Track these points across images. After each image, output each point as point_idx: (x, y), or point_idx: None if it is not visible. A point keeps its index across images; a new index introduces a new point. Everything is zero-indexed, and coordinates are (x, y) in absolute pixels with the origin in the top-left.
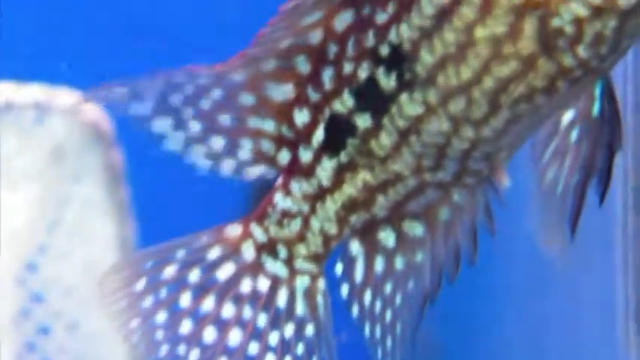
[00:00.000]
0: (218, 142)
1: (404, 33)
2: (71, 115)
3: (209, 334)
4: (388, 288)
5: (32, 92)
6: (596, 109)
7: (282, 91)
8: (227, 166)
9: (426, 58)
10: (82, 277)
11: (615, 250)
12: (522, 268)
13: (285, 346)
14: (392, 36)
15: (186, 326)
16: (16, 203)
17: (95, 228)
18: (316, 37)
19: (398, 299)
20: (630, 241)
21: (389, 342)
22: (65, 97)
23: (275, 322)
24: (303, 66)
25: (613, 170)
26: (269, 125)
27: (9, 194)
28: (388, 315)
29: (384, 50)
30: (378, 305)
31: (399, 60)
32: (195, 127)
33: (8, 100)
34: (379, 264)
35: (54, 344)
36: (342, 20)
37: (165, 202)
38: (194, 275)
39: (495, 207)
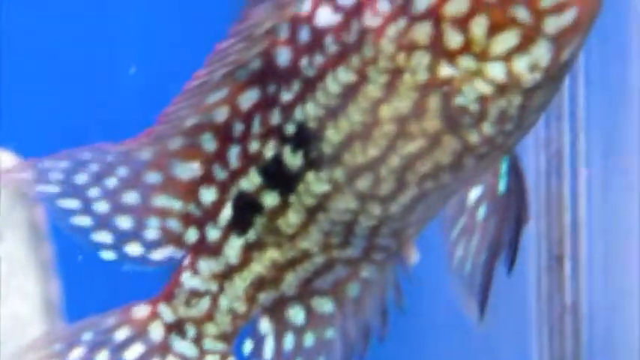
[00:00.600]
0: (124, 223)
1: (309, 111)
2: None
3: None
4: None
5: None
6: (502, 185)
7: (189, 170)
8: (133, 249)
9: (332, 136)
10: (4, 335)
11: (530, 312)
12: (445, 336)
13: None
14: (297, 114)
15: None
16: None
17: (19, 285)
18: (222, 114)
19: None
20: (544, 302)
21: None
22: None
23: None
24: (210, 144)
25: (520, 244)
26: (176, 204)
27: None
28: None
29: (290, 128)
30: None
31: (305, 138)
32: (101, 206)
33: None
34: (289, 341)
35: None
36: (248, 98)
37: (89, 260)
38: (102, 357)
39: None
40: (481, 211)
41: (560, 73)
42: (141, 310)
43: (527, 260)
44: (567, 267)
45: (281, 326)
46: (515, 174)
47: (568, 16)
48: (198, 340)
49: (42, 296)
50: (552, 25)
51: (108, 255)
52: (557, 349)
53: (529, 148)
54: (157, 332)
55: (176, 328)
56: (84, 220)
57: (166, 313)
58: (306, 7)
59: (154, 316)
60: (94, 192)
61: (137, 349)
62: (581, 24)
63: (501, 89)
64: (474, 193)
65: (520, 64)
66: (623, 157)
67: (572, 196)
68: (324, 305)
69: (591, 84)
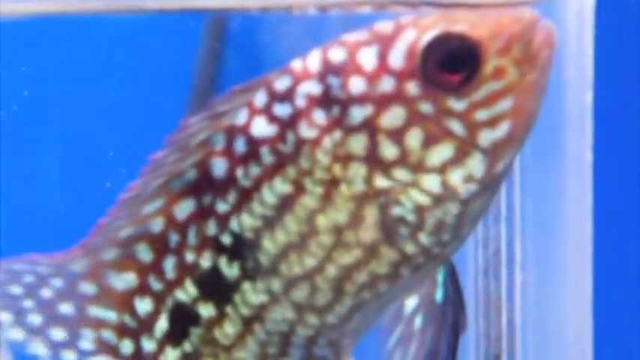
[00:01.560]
0: (59, 334)
1: (245, 222)
2: None
3: None
4: None
5: None
6: (438, 295)
7: (124, 280)
8: (70, 356)
9: (269, 246)
10: None
11: None
12: None
13: None
14: (233, 225)
15: None
16: None
17: None
18: (157, 225)
19: None
20: None
21: None
22: None
23: None
24: (145, 255)
25: (457, 351)
26: (111, 315)
27: None
28: None
29: (226, 239)
30: None
31: (241, 249)
32: (34, 319)
33: None
34: None
35: None
36: (183, 209)
37: None
38: None
39: None
40: (417, 321)
41: (495, 183)
42: None
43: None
44: None
45: None
46: (452, 282)
47: (502, 130)
48: None
49: None
50: (486, 138)
51: (46, 354)
52: None
53: (469, 246)
54: None
55: None
56: (18, 333)
57: None
58: (241, 118)
59: None
60: (28, 303)
61: None
62: (515, 137)
63: (437, 200)
64: (411, 303)
65: (455, 176)
66: (556, 261)
67: (508, 297)
68: None
69: (526, 188)
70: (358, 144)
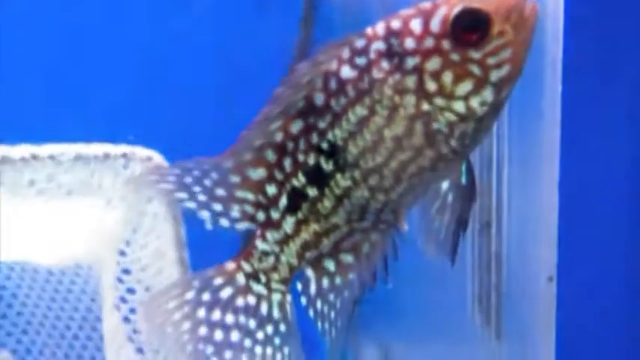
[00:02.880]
0: (217, 207)
1: (337, 134)
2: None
3: (218, 335)
4: (331, 297)
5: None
6: (463, 179)
7: (257, 173)
8: (224, 222)
9: (352, 149)
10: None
11: (467, 256)
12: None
13: (267, 340)
14: (330, 136)
15: (202, 330)
16: None
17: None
18: (279, 137)
19: (338, 304)
20: (477, 255)
21: (333, 331)
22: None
23: (260, 324)
24: (271, 156)
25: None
26: (250, 196)
27: None
28: (332, 314)
29: (325, 145)
30: (325, 309)
31: (334, 151)
32: (201, 197)
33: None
34: (325, 282)
35: None
36: (296, 126)
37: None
38: (205, 298)
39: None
40: (449, 197)
41: (500, 106)
42: (230, 265)
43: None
44: (493, 229)
45: (319, 272)
46: (469, 172)
47: (504, 70)
48: (267, 284)
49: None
50: (494, 76)
51: (208, 226)
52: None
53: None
54: (240, 279)
55: (253, 276)
56: (191, 205)
57: (246, 266)
58: (333, 65)
59: (239, 268)
60: (196, 189)
61: (228, 290)
62: (513, 75)
63: (462, 117)
64: (444, 185)
65: (474, 102)
66: (539, 153)
67: (497, 184)
68: (347, 258)
69: (512, 113)
70: (411, 82)
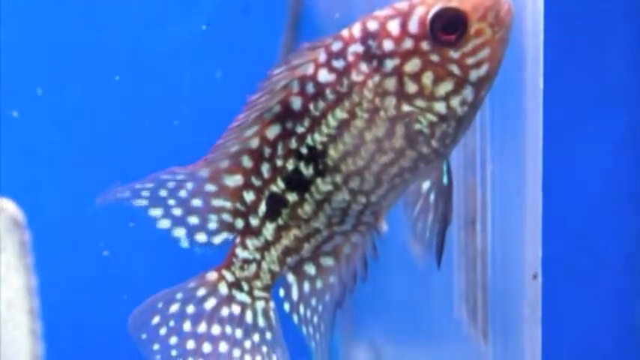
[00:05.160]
0: (193, 220)
1: (316, 138)
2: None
3: (206, 347)
4: (313, 301)
5: None
6: (445, 179)
7: (234, 180)
8: (200, 237)
9: (333, 153)
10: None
11: (453, 254)
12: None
13: (255, 349)
14: (309, 140)
15: (190, 344)
16: None
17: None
18: (255, 143)
19: (320, 308)
20: (462, 253)
21: (317, 335)
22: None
23: (246, 334)
24: (247, 162)
25: (446, 234)
26: (228, 204)
27: None
28: (315, 318)
29: (304, 150)
30: (308, 313)
31: (314, 156)
32: (176, 211)
33: None
34: (306, 286)
35: None
36: (273, 131)
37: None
38: (190, 310)
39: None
40: (431, 197)
41: (478, 105)
42: (211, 275)
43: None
44: (478, 227)
45: (300, 277)
46: (449, 171)
47: (483, 69)
48: (250, 292)
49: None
50: (474, 75)
51: (184, 244)
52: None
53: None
54: (223, 289)
55: (235, 285)
56: (165, 222)
57: (228, 275)
58: (310, 70)
59: (221, 278)
60: (171, 202)
61: (212, 302)
62: (491, 74)
63: (443, 118)
64: (426, 185)
65: (454, 102)
66: (522, 151)
67: (481, 182)
68: (327, 261)
69: (494, 111)
70: (390, 84)
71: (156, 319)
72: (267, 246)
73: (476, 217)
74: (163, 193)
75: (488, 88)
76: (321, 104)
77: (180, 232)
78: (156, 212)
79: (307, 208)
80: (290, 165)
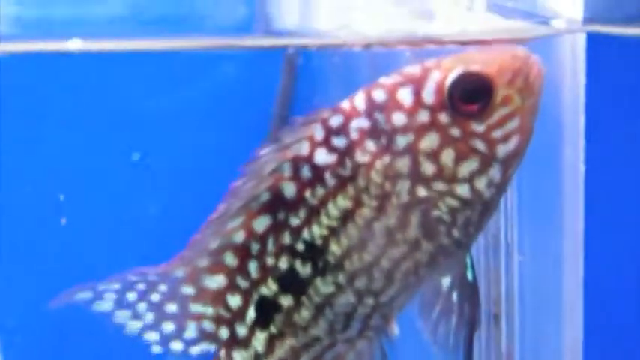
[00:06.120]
0: (168, 327)
1: (315, 232)
2: None
3: None
4: None
5: None
6: (469, 275)
7: (216, 281)
8: (176, 346)
9: (335, 249)
10: None
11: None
12: None
13: None
14: (305, 235)
15: None
16: None
17: None
18: (239, 237)
19: None
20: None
21: None
22: None
23: None
24: (231, 260)
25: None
26: (209, 309)
27: None
28: None
29: (300, 246)
30: None
31: (312, 253)
32: (148, 317)
33: None
34: None
35: None
36: (261, 224)
37: None
38: None
39: None
40: (454, 296)
41: (506, 185)
42: None
43: None
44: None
45: None
46: (473, 265)
47: (512, 144)
48: None
49: None
50: (502, 151)
51: (156, 350)
52: None
53: None
54: None
55: None
56: (135, 324)
57: None
58: (304, 149)
59: None
60: (141, 306)
61: None
62: (522, 148)
63: (467, 203)
64: (446, 281)
65: (480, 184)
66: (547, 246)
67: (506, 269)
68: None
69: (521, 185)
70: (403, 165)
71: None
72: (257, 359)
73: (500, 311)
74: (132, 296)
75: (517, 165)
76: (320, 191)
77: (152, 336)
78: (122, 316)
79: (305, 313)
80: (283, 263)
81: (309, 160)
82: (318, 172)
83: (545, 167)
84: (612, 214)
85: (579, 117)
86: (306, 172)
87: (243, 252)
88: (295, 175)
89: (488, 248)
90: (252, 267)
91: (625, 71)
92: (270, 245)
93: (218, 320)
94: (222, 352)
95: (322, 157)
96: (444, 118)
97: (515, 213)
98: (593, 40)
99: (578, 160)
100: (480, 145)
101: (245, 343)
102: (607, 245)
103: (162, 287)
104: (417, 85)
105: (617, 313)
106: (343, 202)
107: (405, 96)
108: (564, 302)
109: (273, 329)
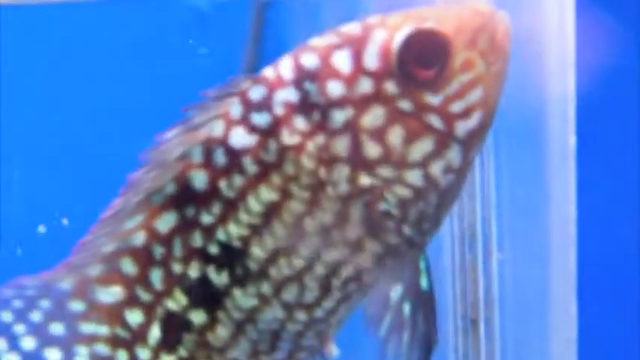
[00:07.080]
0: (53, 355)
1: (233, 231)
2: None
3: None
4: None
5: None
6: (424, 282)
7: (111, 294)
8: None
9: (257, 252)
10: None
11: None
12: None
13: None
14: (220, 235)
15: None
16: None
17: None
18: (139, 239)
19: None
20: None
21: None
22: None
23: None
24: (129, 268)
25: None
26: (102, 329)
27: None
28: None
29: (213, 249)
30: None
31: (229, 257)
32: (27, 342)
33: None
34: None
35: None
36: (165, 222)
37: None
38: None
39: None
40: (406, 308)
41: (468, 170)
42: None
43: (446, 322)
44: (481, 329)
45: None
46: (429, 270)
47: (475, 119)
48: None
49: None
50: (462, 129)
51: None
52: None
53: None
54: None
55: None
56: (11, 357)
57: None
58: (218, 129)
59: None
60: (19, 328)
61: None
62: (486, 125)
63: (420, 193)
64: (397, 291)
65: (435, 168)
66: (532, 240)
67: (484, 268)
68: None
69: (500, 166)
70: (341, 146)
71: None
72: None
73: (478, 316)
74: (7, 316)
75: (480, 145)
76: (238, 181)
77: None
78: None
79: (221, 332)
80: (194, 271)
81: (224, 142)
82: (235, 157)
83: (527, 144)
84: (609, 198)
85: (568, 82)
86: (220, 158)
87: (143, 257)
88: (207, 162)
89: (464, 241)
90: (156, 276)
91: (619, 24)
92: (177, 249)
93: (115, 342)
94: None
95: (240, 138)
96: (390, 87)
97: (493, 200)
98: None
99: (567, 133)
100: (435, 121)
101: None
102: (603, 236)
103: (45, 303)
104: (357, 47)
105: (617, 313)
106: (267, 194)
107: (343, 61)
108: (553, 304)
109: (182, 352)
